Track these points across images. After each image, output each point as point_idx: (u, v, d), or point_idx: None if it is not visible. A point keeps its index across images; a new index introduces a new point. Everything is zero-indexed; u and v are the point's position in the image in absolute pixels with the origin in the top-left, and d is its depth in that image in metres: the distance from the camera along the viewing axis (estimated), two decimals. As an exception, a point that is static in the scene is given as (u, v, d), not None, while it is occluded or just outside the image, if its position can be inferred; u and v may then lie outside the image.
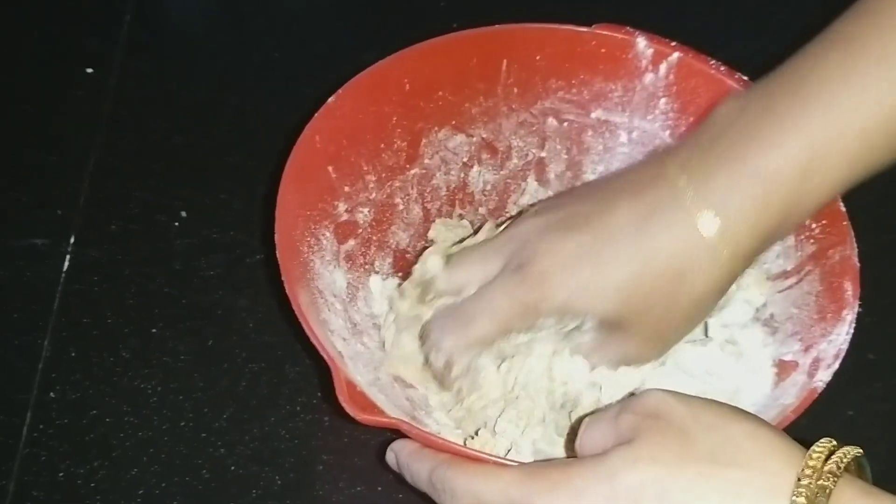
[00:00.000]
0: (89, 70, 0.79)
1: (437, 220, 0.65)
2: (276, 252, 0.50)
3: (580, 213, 0.51)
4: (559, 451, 0.52)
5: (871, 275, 0.68)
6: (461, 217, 0.66)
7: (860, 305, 0.65)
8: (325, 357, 0.45)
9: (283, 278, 0.49)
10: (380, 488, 0.57)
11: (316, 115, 0.56)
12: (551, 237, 0.50)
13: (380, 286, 0.61)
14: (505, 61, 0.62)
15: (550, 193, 0.67)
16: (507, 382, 0.53)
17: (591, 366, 0.52)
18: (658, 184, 0.48)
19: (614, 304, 0.49)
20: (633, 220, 0.48)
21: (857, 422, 0.61)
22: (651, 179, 0.49)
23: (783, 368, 0.52)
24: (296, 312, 0.47)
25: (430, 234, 0.64)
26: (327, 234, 0.57)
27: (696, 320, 0.51)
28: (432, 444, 0.45)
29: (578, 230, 0.50)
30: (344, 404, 0.43)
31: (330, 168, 0.57)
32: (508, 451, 0.52)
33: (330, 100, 0.56)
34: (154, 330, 0.64)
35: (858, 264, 0.50)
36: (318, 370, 0.61)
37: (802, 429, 0.60)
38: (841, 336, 0.48)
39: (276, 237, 0.50)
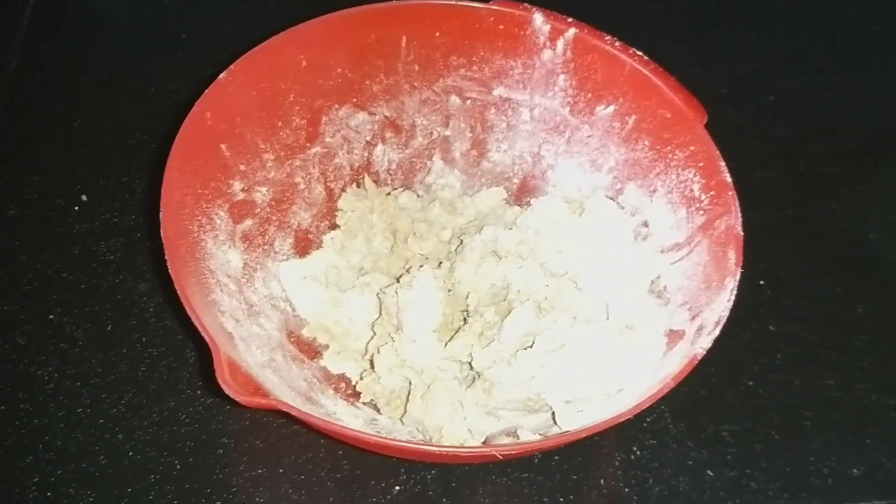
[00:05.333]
0: (-10, 55, 0.77)
1: (348, 190, 0.64)
2: (160, 231, 0.49)
3: None
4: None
5: (771, 248, 0.69)
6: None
7: (760, 279, 0.67)
8: (206, 338, 0.45)
9: (166, 257, 0.48)
10: (281, 470, 0.57)
11: (206, 91, 0.55)
12: None
13: (289, 272, 0.61)
14: (404, 37, 0.61)
15: (457, 172, 0.67)
16: None
17: None
18: None
19: None
20: None
21: (756, 392, 0.62)
22: None
23: (672, 338, 0.53)
24: (177, 290, 0.46)
25: (340, 204, 0.64)
26: (221, 213, 0.56)
27: None
28: (311, 424, 0.44)
29: None
30: (223, 385, 0.42)
31: (223, 146, 0.56)
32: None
33: (221, 76, 0.55)
34: (51, 316, 0.62)
35: (742, 233, 0.51)
36: (204, 353, 0.60)
37: (701, 399, 0.62)
38: (722, 303, 0.49)
39: (161, 216, 0.49)
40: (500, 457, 0.44)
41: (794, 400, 0.62)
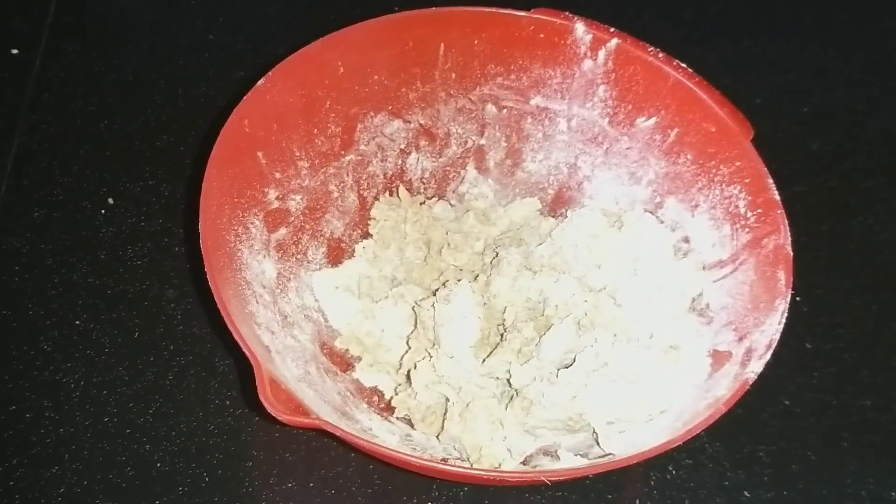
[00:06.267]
0: (14, 51, 0.76)
1: (381, 198, 0.63)
2: (200, 242, 0.48)
3: None
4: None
5: (807, 264, 0.68)
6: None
7: (797, 295, 0.66)
8: (248, 354, 0.43)
9: (206, 269, 0.47)
10: (311, 484, 0.56)
11: (244, 98, 0.53)
12: None
13: (322, 282, 0.60)
14: (442, 45, 0.60)
15: (490, 182, 0.66)
16: None
17: None
18: None
19: None
20: None
21: (793, 412, 0.61)
22: None
23: (717, 359, 0.52)
24: (219, 307, 0.45)
25: (373, 213, 0.63)
26: (257, 222, 0.55)
27: None
28: (356, 445, 0.43)
29: None
30: (265, 404, 0.41)
31: (259, 154, 0.55)
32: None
33: (259, 82, 0.54)
34: (77, 322, 0.61)
35: (791, 253, 0.50)
36: (241, 366, 0.59)
37: (739, 418, 0.60)
38: (773, 326, 0.48)
39: (200, 226, 0.48)
40: (549, 483, 0.43)
41: (831, 420, 0.61)
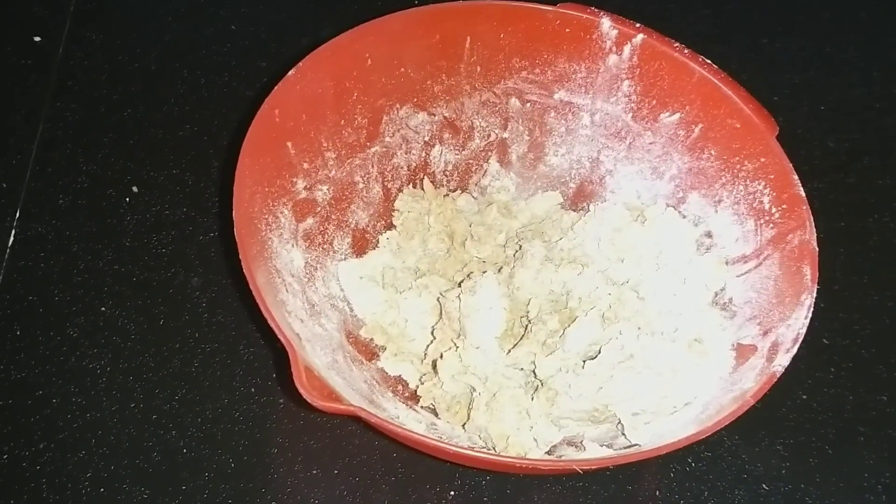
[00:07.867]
0: (37, 38, 0.76)
1: (405, 190, 0.64)
2: (234, 230, 0.48)
3: None
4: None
5: (824, 261, 0.68)
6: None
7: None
8: (283, 341, 0.44)
9: (240, 257, 0.47)
10: (336, 471, 0.56)
11: (275, 88, 0.54)
12: None
13: (347, 272, 0.60)
14: (468, 39, 0.60)
15: (512, 175, 0.66)
16: None
17: None
18: None
19: None
20: None
21: (811, 406, 0.62)
22: None
23: (741, 353, 0.52)
24: (253, 293, 0.46)
25: (397, 204, 0.63)
26: (286, 211, 0.55)
27: None
28: (391, 433, 0.44)
29: None
30: (302, 391, 0.42)
31: (289, 144, 0.55)
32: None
33: (290, 73, 0.54)
34: (103, 308, 0.62)
35: (817, 249, 0.50)
36: (274, 353, 0.60)
37: (756, 412, 0.60)
38: (799, 320, 0.48)
39: (235, 214, 0.49)
40: (581, 471, 0.43)
41: (848, 415, 0.62)
